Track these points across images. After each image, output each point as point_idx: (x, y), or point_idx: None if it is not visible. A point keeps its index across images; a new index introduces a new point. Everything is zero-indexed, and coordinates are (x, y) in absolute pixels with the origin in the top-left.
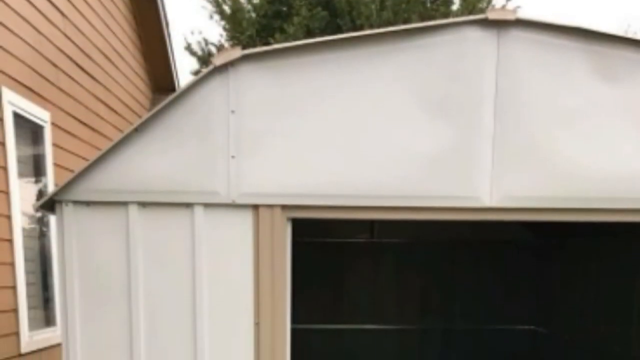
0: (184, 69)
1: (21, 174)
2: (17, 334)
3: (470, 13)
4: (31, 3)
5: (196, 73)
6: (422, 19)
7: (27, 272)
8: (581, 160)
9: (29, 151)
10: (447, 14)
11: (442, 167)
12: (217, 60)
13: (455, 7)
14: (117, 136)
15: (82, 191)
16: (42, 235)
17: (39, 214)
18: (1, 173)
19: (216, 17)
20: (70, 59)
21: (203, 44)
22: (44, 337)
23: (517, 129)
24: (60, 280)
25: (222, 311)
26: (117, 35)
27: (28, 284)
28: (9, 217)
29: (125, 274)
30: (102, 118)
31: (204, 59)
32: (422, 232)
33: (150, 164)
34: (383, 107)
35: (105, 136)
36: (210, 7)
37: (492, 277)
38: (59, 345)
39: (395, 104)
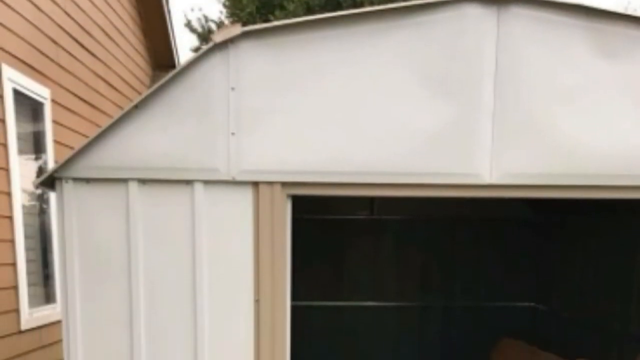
0: (184, 46)
1: (21, 151)
2: (17, 311)
3: None
4: None
5: (196, 50)
6: None
7: (27, 249)
8: (580, 137)
9: (29, 128)
10: None
11: (442, 144)
12: (217, 37)
13: None
14: (117, 113)
15: (82, 168)
16: (42, 212)
17: (39, 191)
18: (1, 150)
19: None
20: (70, 35)
21: (203, 21)
22: (44, 314)
23: (517, 106)
24: (60, 257)
25: (222, 288)
26: (117, 12)
27: (28, 261)
28: (9, 194)
29: (125, 251)
30: (102, 95)
31: (204, 36)
32: (422, 209)
33: (150, 141)
34: (383, 84)
35: (105, 113)
36: None
37: (492, 255)
38: (59, 322)
39: (395, 81)
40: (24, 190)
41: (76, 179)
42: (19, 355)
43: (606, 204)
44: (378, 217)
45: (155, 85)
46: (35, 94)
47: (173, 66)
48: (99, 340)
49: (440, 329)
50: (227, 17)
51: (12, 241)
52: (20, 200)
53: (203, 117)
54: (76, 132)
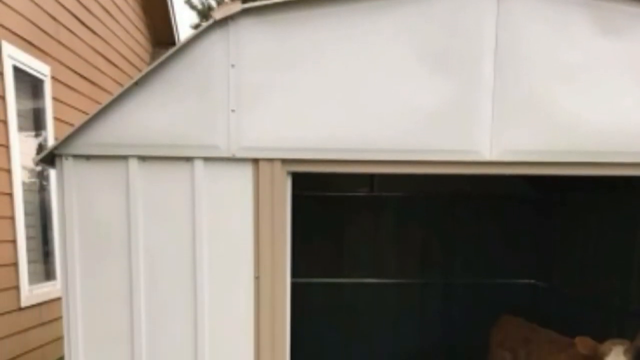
0: (184, 22)
1: (21, 128)
2: (17, 287)
3: None
4: None
5: (196, 27)
6: None
7: (27, 226)
8: (581, 113)
9: (29, 105)
10: None
11: (442, 121)
12: (217, 14)
13: None
14: (117, 90)
15: (82, 145)
16: (42, 189)
17: (39, 168)
18: (1, 127)
19: None
20: (70, 12)
21: None
22: (44, 291)
23: (517, 83)
24: (60, 234)
25: (222, 264)
26: None
27: (28, 238)
28: (9, 171)
29: (125, 228)
30: (102, 72)
31: (204, 12)
32: (422, 186)
33: (150, 117)
34: (383, 61)
35: (105, 90)
36: None
37: (492, 231)
38: (59, 299)
39: (395, 58)
40: (24, 167)
41: (76, 156)
42: (19, 332)
43: (606, 181)
44: (378, 193)
45: (155, 62)
46: (35, 70)
47: (173, 43)
48: (99, 316)
49: (440, 305)
50: None
51: (12, 218)
52: (20, 177)
53: (203, 94)
54: (76, 109)
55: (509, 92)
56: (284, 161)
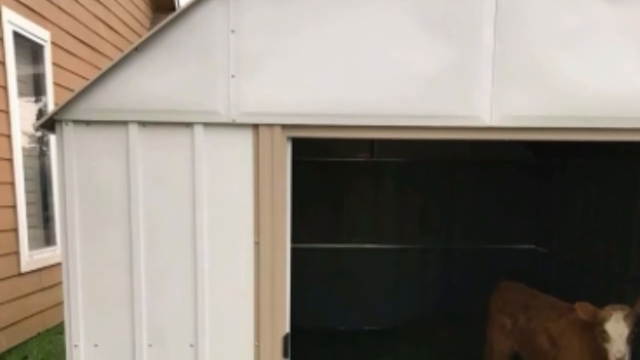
0: None
1: (21, 94)
2: (17, 253)
3: None
4: None
5: None
6: None
7: (27, 192)
8: (581, 79)
9: (29, 70)
10: None
11: (442, 87)
12: None
13: None
14: (117, 55)
15: (82, 110)
16: (42, 154)
17: (39, 134)
18: (1, 92)
19: None
20: None
21: None
22: (44, 257)
23: (518, 48)
24: (60, 199)
25: (222, 230)
26: None
27: (28, 204)
28: (9, 137)
29: (125, 194)
30: (102, 37)
31: None
32: (422, 152)
33: (150, 83)
34: (383, 27)
35: (105, 55)
36: None
37: (492, 197)
38: (59, 264)
39: (394, 24)
40: (24, 133)
41: (76, 122)
42: (19, 297)
43: (606, 146)
44: (378, 159)
45: (156, 28)
46: (35, 36)
47: (173, 9)
48: (99, 281)
49: (440, 271)
50: None
51: (12, 183)
52: (20, 142)
53: (203, 59)
54: (76, 74)
55: (509, 57)
56: (284, 126)
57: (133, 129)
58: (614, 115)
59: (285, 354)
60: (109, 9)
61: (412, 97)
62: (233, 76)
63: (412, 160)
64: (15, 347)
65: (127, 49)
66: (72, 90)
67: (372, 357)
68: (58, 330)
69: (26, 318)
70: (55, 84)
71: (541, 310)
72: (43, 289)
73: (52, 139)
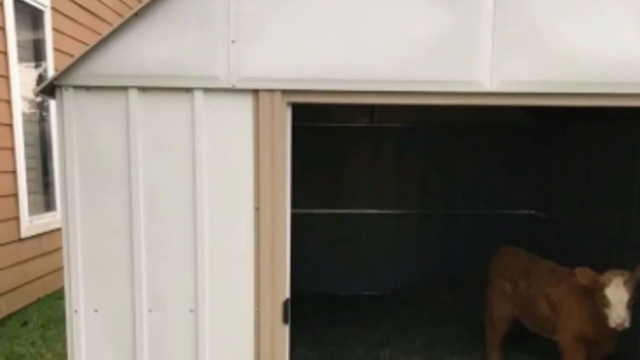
0: None
1: (21, 59)
2: (17, 218)
3: None
4: None
5: None
6: None
7: (27, 157)
8: (582, 44)
9: (29, 36)
10: None
11: (442, 53)
12: None
13: None
14: (117, 21)
15: (82, 76)
16: (42, 120)
17: (39, 99)
18: (1, 58)
19: None
20: None
21: None
22: (44, 222)
23: (518, 14)
24: (60, 165)
25: (222, 196)
26: None
27: (28, 169)
28: (9, 102)
29: (125, 159)
30: (102, 2)
31: None
32: (422, 117)
33: (150, 48)
34: None
35: (105, 21)
36: None
37: (492, 162)
38: (59, 229)
39: None
40: (24, 98)
41: (76, 87)
42: (19, 263)
43: (607, 111)
44: (378, 124)
45: None
46: (35, 1)
47: None
48: (99, 247)
49: (440, 236)
50: None
51: (12, 149)
52: (20, 108)
53: (203, 25)
54: (76, 40)
55: (509, 22)
56: (284, 92)
57: (133, 94)
58: (614, 81)
59: (285, 320)
60: None
61: (412, 63)
62: (233, 41)
63: (412, 125)
64: (15, 313)
65: (127, 14)
66: (72, 55)
67: (373, 322)
68: (58, 295)
69: (26, 283)
70: (56, 49)
71: (541, 275)
72: (43, 255)
73: (52, 104)
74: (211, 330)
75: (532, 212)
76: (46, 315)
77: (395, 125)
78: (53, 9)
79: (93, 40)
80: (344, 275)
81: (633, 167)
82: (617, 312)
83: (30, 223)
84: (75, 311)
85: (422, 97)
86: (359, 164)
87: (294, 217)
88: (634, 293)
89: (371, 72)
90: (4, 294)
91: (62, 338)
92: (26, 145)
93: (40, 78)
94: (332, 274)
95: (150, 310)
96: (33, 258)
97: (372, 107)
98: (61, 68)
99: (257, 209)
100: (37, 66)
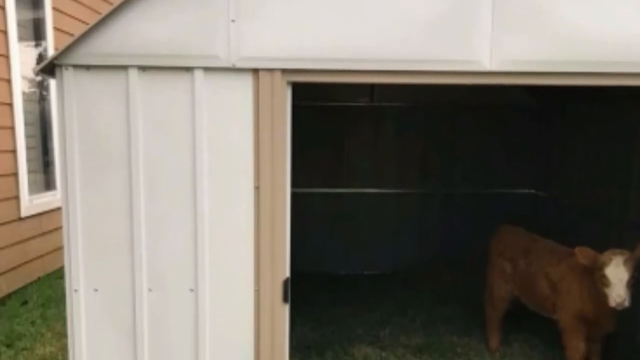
0: None
1: (21, 38)
2: (17, 197)
3: None
4: None
5: None
6: None
7: (27, 136)
8: (582, 23)
9: (29, 15)
10: None
11: (442, 31)
12: None
13: None
14: (117, 0)
15: (82, 55)
16: (42, 99)
17: (39, 78)
18: (1, 37)
19: None
20: None
21: None
22: (44, 201)
23: None
24: (60, 144)
25: (222, 175)
26: None
27: (28, 148)
28: (9, 81)
29: (126, 138)
30: None
31: None
32: (422, 96)
33: (150, 27)
34: None
35: (105, 0)
36: None
37: (492, 141)
38: (59, 209)
39: None
40: (24, 77)
41: (76, 66)
42: (19, 242)
43: (607, 91)
44: (378, 104)
45: None
46: None
47: None
48: (99, 226)
49: (440, 215)
50: None
51: (12, 128)
52: (20, 87)
53: (203, 4)
54: (76, 19)
55: (510, 1)
56: (284, 71)
57: (133, 73)
58: (614, 60)
59: (285, 299)
60: None
61: (412, 41)
62: (233, 21)
63: (412, 104)
64: (15, 292)
65: None
66: (72, 34)
67: (373, 301)
68: (58, 274)
69: (26, 263)
70: (56, 28)
71: (541, 255)
72: (43, 234)
73: (52, 83)
74: (211, 310)
75: (532, 191)
76: (46, 294)
77: (395, 105)
78: None
79: (93, 19)
80: (344, 254)
81: (632, 147)
82: (617, 292)
83: (30, 202)
84: (75, 290)
85: (422, 77)
86: (358, 143)
87: (293, 196)
88: (634, 272)
89: (371, 51)
90: (4, 273)
91: (62, 317)
92: (26, 124)
93: (40, 57)
94: (332, 253)
95: (150, 290)
96: (33, 237)
97: (372, 87)
98: (61, 47)
99: (257, 188)
100: (37, 45)
